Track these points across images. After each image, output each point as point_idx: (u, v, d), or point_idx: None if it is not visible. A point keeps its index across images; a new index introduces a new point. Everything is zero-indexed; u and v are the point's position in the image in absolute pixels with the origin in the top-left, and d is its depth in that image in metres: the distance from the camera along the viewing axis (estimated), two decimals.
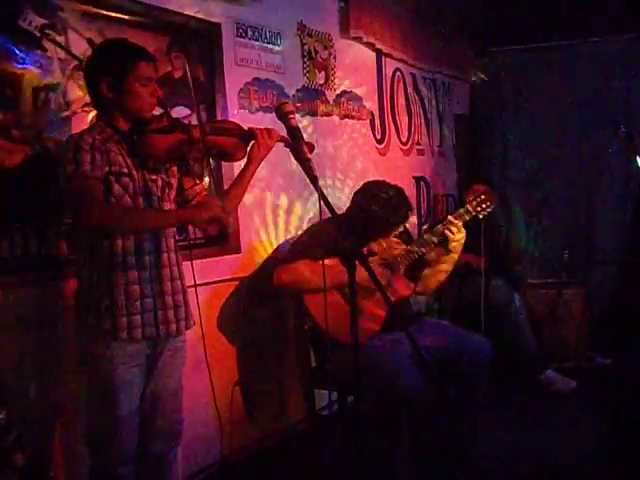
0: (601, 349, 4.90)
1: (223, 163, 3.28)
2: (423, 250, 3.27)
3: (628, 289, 5.23)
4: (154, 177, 2.29)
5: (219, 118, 3.26)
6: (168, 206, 2.34)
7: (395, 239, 3.37)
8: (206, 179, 3.22)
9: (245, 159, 2.46)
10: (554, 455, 3.37)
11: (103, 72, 2.20)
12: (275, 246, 3.69)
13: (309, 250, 3.09)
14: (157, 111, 2.33)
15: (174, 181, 2.39)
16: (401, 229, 3.39)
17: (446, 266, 3.36)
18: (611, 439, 3.38)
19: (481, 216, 3.35)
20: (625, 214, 5.62)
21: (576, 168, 5.75)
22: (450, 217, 3.27)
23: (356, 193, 3.43)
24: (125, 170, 2.19)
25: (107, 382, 2.20)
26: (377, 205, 3.25)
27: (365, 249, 3.15)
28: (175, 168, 2.40)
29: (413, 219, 5.06)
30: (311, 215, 3.90)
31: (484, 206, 3.32)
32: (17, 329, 2.43)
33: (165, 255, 2.29)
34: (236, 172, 3.22)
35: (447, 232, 3.23)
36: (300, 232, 3.58)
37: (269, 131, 2.42)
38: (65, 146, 2.16)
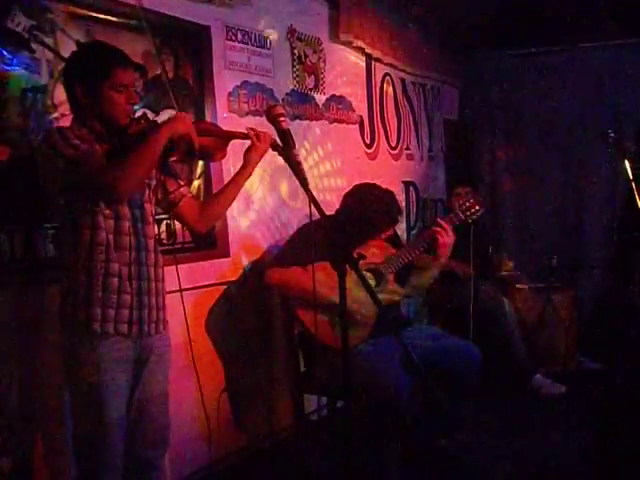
0: (590, 353, 4.92)
1: (212, 165, 3.27)
2: (413, 255, 3.27)
3: (616, 293, 5.25)
4: None
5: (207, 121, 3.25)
6: (148, 207, 2.32)
7: (385, 243, 3.37)
8: (195, 182, 3.23)
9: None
10: (543, 459, 3.37)
11: (79, 76, 2.18)
12: (264, 249, 3.67)
13: (299, 253, 3.07)
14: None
15: (153, 182, 2.37)
16: (390, 232, 3.39)
17: (434, 270, 3.35)
18: (600, 442, 3.37)
19: (470, 220, 3.36)
20: (613, 218, 5.64)
21: (564, 172, 5.78)
22: (440, 221, 3.27)
23: (346, 195, 3.43)
24: None
25: (94, 388, 2.17)
26: (367, 207, 3.25)
27: (355, 253, 3.14)
28: (154, 170, 2.38)
29: (402, 224, 5.07)
30: (301, 218, 3.89)
31: (473, 210, 3.33)
32: (1, 332, 2.41)
33: (145, 254, 2.27)
34: (225, 174, 3.25)
35: (437, 236, 3.22)
36: (289, 235, 3.56)
37: (264, 134, 2.41)
38: (49, 138, 2.12)
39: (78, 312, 2.15)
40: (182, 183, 2.51)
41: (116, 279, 2.18)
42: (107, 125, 2.21)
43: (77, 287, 2.15)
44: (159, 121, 2.38)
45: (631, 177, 3.79)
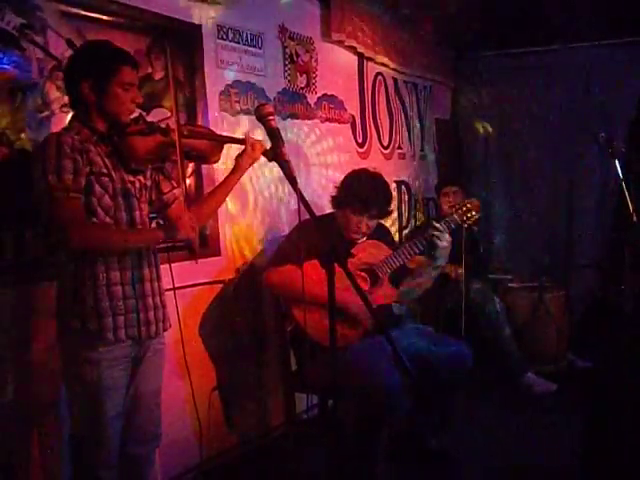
0: (581, 352, 4.93)
1: (204, 167, 3.27)
2: (409, 256, 3.26)
3: (608, 292, 5.27)
4: (132, 179, 2.29)
5: (199, 120, 3.25)
6: (145, 207, 2.35)
7: (380, 244, 3.35)
8: (186, 181, 3.23)
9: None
10: (534, 457, 3.39)
11: (86, 73, 2.19)
12: (254, 249, 3.67)
13: (296, 252, 3.06)
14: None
15: (149, 182, 2.40)
16: (384, 228, 3.39)
17: (433, 273, 3.34)
18: (590, 441, 3.39)
19: (466, 225, 3.35)
20: (605, 218, 5.66)
21: (556, 172, 5.79)
22: (437, 225, 3.24)
23: (345, 176, 3.42)
24: (105, 171, 2.18)
25: (93, 386, 2.19)
26: (361, 184, 3.24)
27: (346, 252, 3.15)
28: (149, 171, 2.39)
29: (395, 223, 5.07)
30: (293, 217, 3.89)
31: (470, 215, 3.32)
32: None
33: (143, 256, 2.30)
34: (216, 176, 3.25)
35: (434, 239, 3.21)
36: (281, 234, 3.56)
37: (258, 143, 2.44)
38: (43, 148, 2.11)
39: (88, 322, 2.16)
40: (175, 184, 2.52)
41: (119, 287, 2.21)
42: (109, 121, 2.23)
43: (82, 297, 2.16)
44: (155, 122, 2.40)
45: (621, 177, 3.81)
